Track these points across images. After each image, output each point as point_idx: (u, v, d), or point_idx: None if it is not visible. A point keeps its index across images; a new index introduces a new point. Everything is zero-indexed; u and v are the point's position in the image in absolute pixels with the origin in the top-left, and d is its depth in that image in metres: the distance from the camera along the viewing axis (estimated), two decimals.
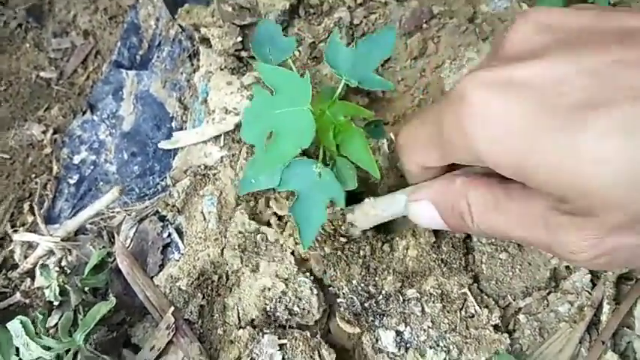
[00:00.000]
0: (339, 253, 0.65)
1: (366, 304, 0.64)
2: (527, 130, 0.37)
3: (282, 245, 0.66)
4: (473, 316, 0.63)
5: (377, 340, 0.63)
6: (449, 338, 0.61)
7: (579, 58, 0.37)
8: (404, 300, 0.63)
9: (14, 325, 0.59)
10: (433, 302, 0.63)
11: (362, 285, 0.64)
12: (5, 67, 1.00)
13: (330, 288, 0.65)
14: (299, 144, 0.52)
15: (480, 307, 0.63)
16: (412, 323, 0.62)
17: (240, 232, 0.67)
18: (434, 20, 0.79)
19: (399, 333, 0.62)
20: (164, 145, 0.78)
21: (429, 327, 0.62)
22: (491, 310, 0.62)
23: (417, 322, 0.62)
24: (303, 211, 0.57)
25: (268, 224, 0.68)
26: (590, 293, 0.63)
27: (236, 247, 0.66)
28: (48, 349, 0.58)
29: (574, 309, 0.62)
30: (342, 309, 0.63)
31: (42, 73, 0.99)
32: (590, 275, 0.63)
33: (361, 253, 0.64)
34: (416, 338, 0.62)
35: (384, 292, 0.64)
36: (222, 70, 0.77)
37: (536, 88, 0.37)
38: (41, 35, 1.04)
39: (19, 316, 0.59)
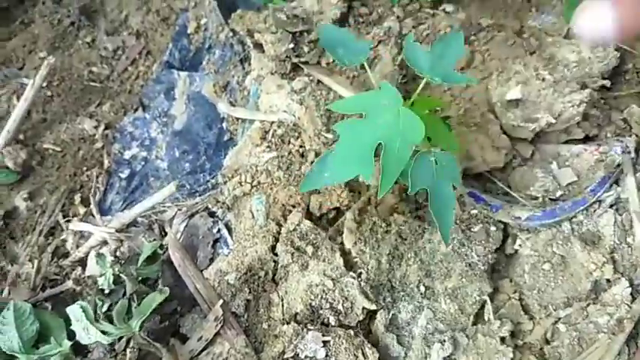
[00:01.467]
0: (373, 228, 0.67)
1: (387, 284, 0.66)
2: None
3: (332, 247, 0.68)
4: (485, 324, 0.65)
5: (390, 321, 0.65)
6: (457, 338, 0.64)
7: None
8: (425, 290, 0.66)
9: (74, 310, 0.61)
10: (451, 300, 0.65)
11: (388, 265, 0.66)
12: (58, 64, 1.04)
13: (356, 259, 0.67)
14: (411, 142, 0.53)
15: (494, 317, 0.65)
16: (427, 314, 0.65)
17: (294, 230, 0.69)
18: (482, 33, 0.81)
19: (413, 319, 0.65)
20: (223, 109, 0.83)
21: (441, 322, 0.65)
22: (504, 323, 0.64)
23: (432, 315, 0.65)
24: (438, 205, 0.56)
25: (320, 223, 0.70)
26: (629, 306, 0.64)
27: (289, 243, 0.68)
28: (105, 333, 0.60)
29: (613, 321, 0.63)
30: (362, 282, 0.65)
31: (94, 69, 1.03)
32: (630, 288, 0.64)
33: (394, 234, 0.67)
34: (427, 329, 0.64)
35: (407, 278, 0.66)
36: (273, 74, 0.80)
37: None
38: (94, 33, 1.08)
39: (80, 302, 0.62)
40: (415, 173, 0.55)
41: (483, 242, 0.67)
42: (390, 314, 0.65)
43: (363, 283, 0.65)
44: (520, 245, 0.68)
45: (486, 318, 0.65)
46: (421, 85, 0.60)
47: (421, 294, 0.66)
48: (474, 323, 0.65)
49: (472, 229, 0.67)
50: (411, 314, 0.65)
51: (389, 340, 0.64)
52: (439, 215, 0.56)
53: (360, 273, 0.66)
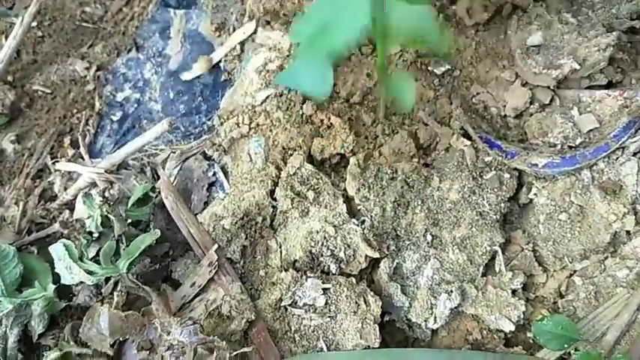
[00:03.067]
0: (378, 174, 0.63)
1: (391, 232, 0.62)
2: None
3: (334, 192, 0.64)
4: (495, 275, 0.61)
5: (394, 269, 0.62)
6: (465, 289, 0.60)
7: None
8: (432, 239, 0.62)
9: (57, 248, 0.57)
10: (460, 250, 0.61)
11: (393, 213, 0.62)
12: (50, 3, 0.98)
13: (360, 207, 0.63)
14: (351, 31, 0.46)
15: (506, 269, 0.61)
16: (433, 264, 0.61)
17: (294, 174, 0.65)
18: None
19: (418, 269, 0.61)
20: (185, 76, 0.79)
21: (448, 272, 0.61)
22: (516, 275, 0.60)
23: (439, 264, 0.61)
24: None
25: (322, 168, 0.66)
26: None
27: (288, 188, 0.64)
28: (90, 273, 0.56)
29: (633, 275, 0.59)
30: (366, 230, 0.61)
31: (87, 9, 0.98)
32: None
33: (400, 181, 0.63)
34: (433, 279, 0.61)
35: (413, 226, 0.62)
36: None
37: None
38: None
39: (62, 240, 0.58)
40: None
41: (496, 190, 0.62)
42: (395, 263, 0.61)
43: (366, 231, 0.61)
44: (535, 194, 0.63)
45: (497, 269, 0.62)
46: None
47: (428, 243, 0.62)
48: (484, 274, 0.61)
49: (484, 177, 0.63)
50: (417, 264, 0.61)
51: (392, 290, 0.60)
52: None
53: (364, 220, 0.62)
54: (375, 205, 0.62)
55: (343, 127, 0.66)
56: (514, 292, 0.60)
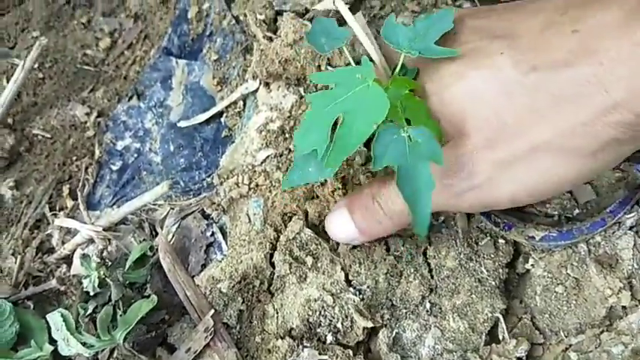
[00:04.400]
0: (369, 250, 0.64)
1: (387, 303, 0.63)
2: None
3: (332, 259, 0.64)
4: (499, 343, 0.61)
5: (395, 340, 0.62)
6: (469, 359, 0.60)
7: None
8: (431, 307, 0.62)
9: (55, 318, 0.57)
10: (460, 318, 0.61)
11: (386, 284, 0.63)
12: (52, 45, 0.99)
13: (353, 282, 0.63)
14: (373, 120, 0.49)
15: (509, 337, 0.61)
16: (434, 333, 0.61)
17: (293, 239, 0.65)
18: None
19: (419, 338, 0.61)
20: (183, 123, 0.80)
21: (450, 341, 0.61)
22: (520, 342, 0.60)
23: (440, 333, 0.61)
24: (410, 186, 0.50)
25: (321, 232, 0.66)
26: None
27: (287, 252, 0.64)
28: (87, 345, 0.56)
29: (628, 352, 0.59)
30: (358, 302, 0.62)
31: (89, 52, 0.98)
32: None
33: (391, 254, 0.64)
34: (435, 349, 0.61)
35: (408, 295, 0.62)
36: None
37: None
38: (90, 14, 1.03)
39: (60, 309, 0.58)
40: (380, 146, 0.50)
41: (492, 256, 0.63)
42: (394, 333, 0.61)
43: (358, 302, 0.61)
44: (532, 265, 0.64)
45: (500, 337, 0.61)
46: (399, 62, 0.56)
47: (427, 311, 0.62)
48: (487, 343, 0.61)
49: (479, 243, 0.63)
50: (417, 333, 0.61)
51: None
52: (412, 198, 0.49)
53: (360, 290, 0.62)
54: (367, 279, 0.62)
55: (337, 186, 0.67)
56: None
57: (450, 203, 0.55)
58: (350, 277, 0.63)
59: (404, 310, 0.63)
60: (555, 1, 0.52)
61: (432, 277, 0.64)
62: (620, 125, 0.46)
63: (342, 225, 0.61)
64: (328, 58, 0.70)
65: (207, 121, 0.79)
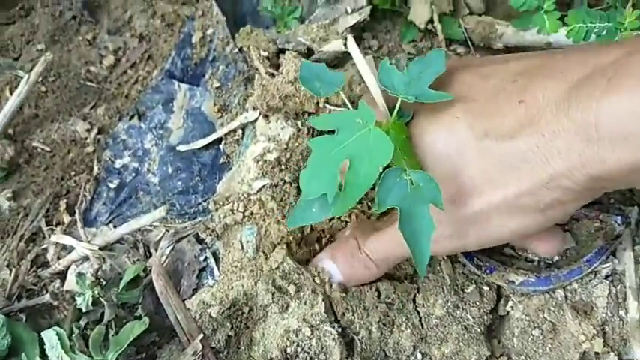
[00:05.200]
0: (360, 296, 0.66)
1: (381, 354, 0.64)
2: None
3: (315, 289, 0.66)
4: None
5: None
6: None
7: None
8: (422, 357, 0.64)
9: (50, 336, 0.59)
10: None
11: (379, 334, 0.65)
12: (56, 59, 1.01)
13: (346, 331, 0.65)
14: (379, 163, 0.51)
15: None
16: None
17: (276, 269, 0.67)
18: None
19: None
20: (182, 147, 0.82)
21: None
22: None
23: None
24: (411, 228, 0.52)
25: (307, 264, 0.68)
26: None
27: (269, 282, 0.67)
28: None
29: None
30: (355, 355, 0.64)
31: (92, 68, 1.00)
32: None
33: (382, 301, 0.65)
34: None
35: (401, 345, 0.64)
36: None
37: None
38: (95, 31, 1.05)
39: (56, 328, 0.60)
40: (384, 189, 0.52)
41: (478, 303, 0.65)
42: None
43: (355, 356, 0.63)
44: (512, 307, 0.67)
45: None
46: (397, 107, 0.58)
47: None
48: None
49: (465, 290, 0.66)
50: None
51: None
52: (413, 241, 0.51)
53: (353, 340, 0.64)
54: (361, 328, 0.64)
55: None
56: None
57: (438, 249, 0.59)
58: (343, 324, 0.65)
59: (398, 358, 0.64)
60: (508, 67, 0.56)
61: (422, 325, 0.66)
62: (561, 190, 0.50)
63: (327, 271, 0.67)
64: (326, 97, 0.73)
65: (206, 147, 0.81)
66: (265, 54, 0.77)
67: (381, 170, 0.51)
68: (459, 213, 0.55)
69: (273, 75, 0.74)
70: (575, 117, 0.47)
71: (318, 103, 0.73)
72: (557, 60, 0.53)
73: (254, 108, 0.77)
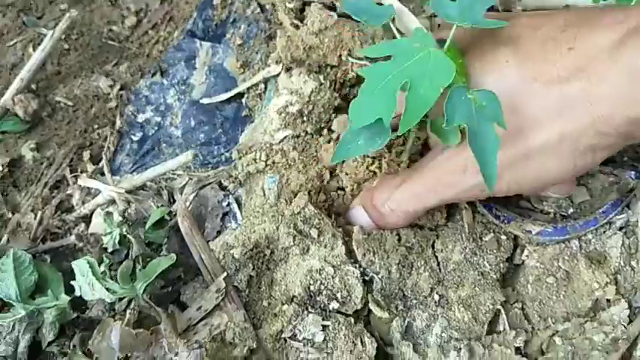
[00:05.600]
0: (381, 239, 0.67)
1: (399, 293, 0.66)
2: None
3: (334, 234, 0.68)
4: (500, 333, 0.66)
5: (407, 328, 0.65)
6: (472, 346, 0.64)
7: None
8: (439, 299, 0.66)
9: (81, 264, 0.61)
10: (465, 309, 0.65)
11: (398, 275, 0.66)
12: (78, 18, 1.02)
13: (367, 270, 0.67)
14: (440, 83, 0.51)
15: (510, 327, 0.65)
16: (441, 323, 0.65)
17: (298, 214, 0.69)
18: None
19: (428, 327, 0.65)
20: (205, 100, 0.84)
21: (456, 330, 0.65)
22: (519, 333, 0.65)
23: (446, 323, 0.65)
24: (479, 144, 0.53)
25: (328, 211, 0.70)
26: (625, 327, 0.64)
27: (291, 226, 0.68)
28: (110, 291, 0.60)
29: (608, 340, 0.64)
30: (374, 292, 0.66)
31: (114, 28, 1.02)
32: (628, 310, 0.65)
33: (402, 244, 0.67)
34: (442, 337, 0.64)
35: (418, 286, 0.66)
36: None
37: None
38: None
39: (87, 257, 0.61)
40: (451, 107, 0.52)
41: (495, 251, 0.67)
42: (406, 322, 0.65)
43: (375, 293, 0.65)
44: (527, 256, 0.68)
45: (501, 328, 0.66)
46: (452, 32, 0.58)
47: (435, 302, 0.66)
48: (489, 332, 0.65)
49: (483, 239, 0.68)
50: (426, 322, 0.65)
51: (405, 349, 0.64)
52: (482, 156, 0.52)
53: (372, 279, 0.66)
54: (381, 268, 0.66)
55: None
56: (517, 349, 0.64)
57: (460, 196, 0.63)
58: (363, 265, 0.67)
59: (414, 301, 0.66)
60: (557, 19, 0.58)
61: (440, 269, 0.68)
62: (599, 136, 0.54)
63: (360, 219, 0.69)
64: (349, 49, 0.75)
65: (229, 101, 0.83)
66: (291, 6, 0.78)
67: (442, 91, 0.52)
68: (501, 155, 0.56)
69: (297, 27, 0.75)
70: (624, 61, 0.50)
71: (341, 56, 0.74)
72: (605, 13, 0.55)
73: (277, 62, 0.78)
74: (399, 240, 0.68)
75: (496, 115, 0.53)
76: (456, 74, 0.53)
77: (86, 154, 0.85)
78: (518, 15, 0.67)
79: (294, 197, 0.71)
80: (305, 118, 0.75)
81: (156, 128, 0.85)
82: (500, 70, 0.57)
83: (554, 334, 0.66)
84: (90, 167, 0.83)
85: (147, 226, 0.69)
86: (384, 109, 0.53)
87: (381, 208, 0.67)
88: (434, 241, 0.69)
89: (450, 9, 0.60)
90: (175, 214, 0.72)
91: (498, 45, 0.58)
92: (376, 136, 0.56)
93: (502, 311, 0.66)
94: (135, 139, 0.85)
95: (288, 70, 0.78)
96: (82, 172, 0.82)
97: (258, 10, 0.90)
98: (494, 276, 0.67)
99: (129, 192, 0.74)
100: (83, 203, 0.78)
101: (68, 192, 0.80)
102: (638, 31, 0.51)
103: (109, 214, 0.67)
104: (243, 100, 0.83)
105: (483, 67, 0.58)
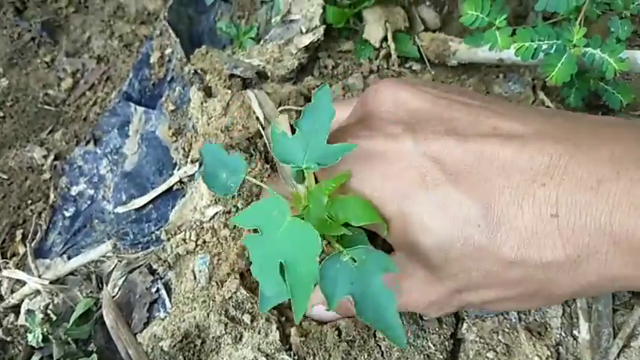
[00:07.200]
0: (321, 337, 0.64)
1: None
2: None
3: (268, 318, 0.65)
4: None
5: None
6: None
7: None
8: None
9: None
10: None
11: None
12: (14, 82, 1.00)
13: None
14: (312, 254, 0.47)
15: None
16: None
17: (229, 298, 0.66)
18: None
19: None
20: (120, 209, 0.79)
21: None
22: None
23: None
24: (374, 311, 0.48)
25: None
26: None
27: (222, 312, 0.66)
28: None
29: None
30: None
31: (50, 92, 0.99)
32: None
33: (343, 339, 0.64)
34: None
35: None
36: None
37: None
38: (54, 53, 1.04)
39: None
40: (327, 284, 0.48)
41: (437, 330, 0.65)
42: None
43: None
44: (467, 330, 0.66)
45: None
46: (307, 179, 0.56)
47: None
48: None
49: (424, 318, 0.65)
50: None
51: None
52: (380, 322, 0.48)
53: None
54: None
55: None
56: None
57: None
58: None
59: None
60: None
61: (385, 359, 0.65)
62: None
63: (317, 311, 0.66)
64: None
65: (160, 173, 0.80)
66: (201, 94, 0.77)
67: (318, 260, 0.47)
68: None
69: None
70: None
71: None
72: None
73: (192, 162, 0.76)
74: (340, 335, 0.64)
75: (383, 263, 0.48)
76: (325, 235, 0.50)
77: (18, 234, 0.83)
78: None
79: (227, 279, 0.69)
80: (235, 194, 0.73)
81: (89, 202, 0.82)
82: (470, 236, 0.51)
83: None
84: (21, 249, 0.80)
85: (71, 321, 0.66)
86: (280, 291, 0.48)
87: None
88: (375, 331, 0.66)
89: (292, 148, 0.54)
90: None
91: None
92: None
93: None
94: (67, 214, 0.82)
95: None
96: (12, 257, 0.79)
97: (192, 71, 0.87)
98: (441, 356, 0.64)
99: (55, 281, 0.72)
100: (12, 292, 0.75)
101: None
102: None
103: (29, 312, 0.65)
104: (175, 171, 0.80)
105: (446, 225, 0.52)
